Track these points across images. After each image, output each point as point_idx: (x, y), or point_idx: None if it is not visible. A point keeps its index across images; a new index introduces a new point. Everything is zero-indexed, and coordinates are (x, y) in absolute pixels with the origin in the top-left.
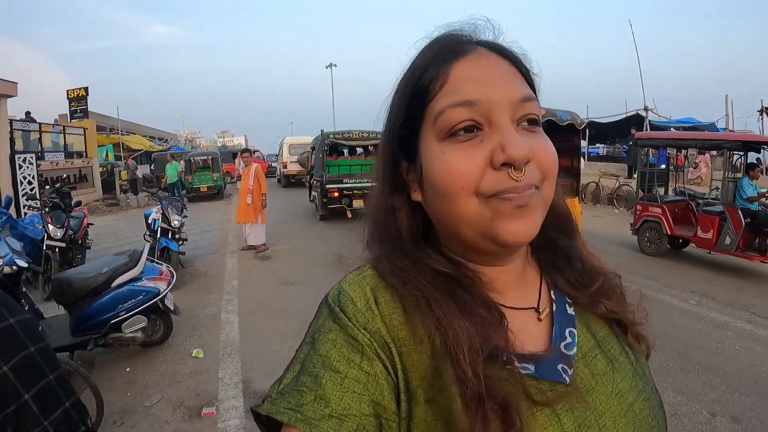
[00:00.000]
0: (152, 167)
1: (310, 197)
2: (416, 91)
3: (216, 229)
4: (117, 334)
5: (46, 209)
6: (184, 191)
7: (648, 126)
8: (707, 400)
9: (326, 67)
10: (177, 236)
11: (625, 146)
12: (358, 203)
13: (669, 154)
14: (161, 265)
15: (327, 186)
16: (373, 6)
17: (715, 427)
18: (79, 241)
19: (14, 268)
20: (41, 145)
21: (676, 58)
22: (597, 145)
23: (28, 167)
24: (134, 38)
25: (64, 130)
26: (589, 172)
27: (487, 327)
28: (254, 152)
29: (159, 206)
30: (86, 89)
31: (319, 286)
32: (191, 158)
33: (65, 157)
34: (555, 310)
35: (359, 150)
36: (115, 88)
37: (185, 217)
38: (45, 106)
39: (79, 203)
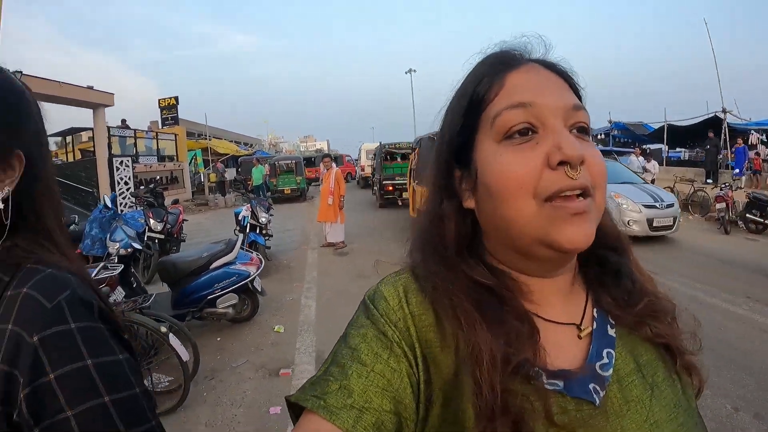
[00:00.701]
0: (239, 170)
1: (372, 191)
2: (472, 101)
3: (298, 228)
4: (211, 309)
5: (143, 206)
6: (269, 193)
7: (726, 129)
8: (734, 396)
9: (405, 73)
10: (264, 232)
11: (702, 149)
12: (406, 195)
13: None
14: (252, 252)
15: (383, 182)
16: (452, 11)
17: (736, 421)
18: (175, 235)
19: (129, 250)
20: (136, 150)
21: (757, 58)
22: (678, 149)
23: (124, 169)
24: (218, 47)
25: (156, 135)
26: (664, 176)
27: (517, 339)
28: (345, 157)
29: (248, 205)
30: (176, 98)
31: None
32: (276, 162)
33: (158, 161)
34: (595, 329)
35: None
36: (203, 96)
37: (271, 215)
38: (137, 113)
39: (176, 201)
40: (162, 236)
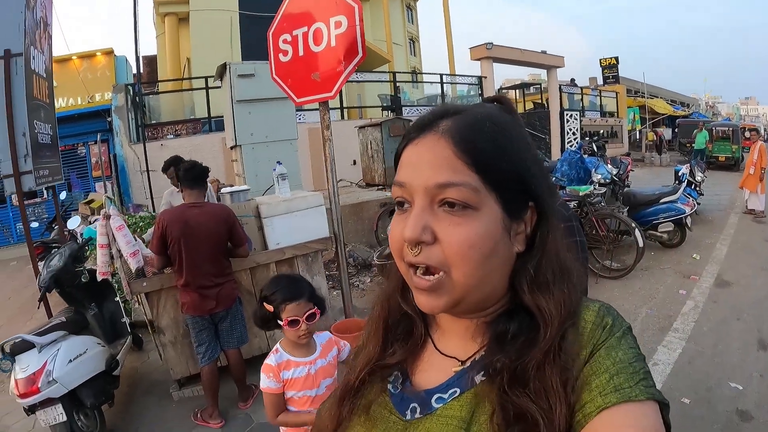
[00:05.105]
0: (676, 131)
1: None
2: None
3: (727, 194)
4: (653, 231)
5: (599, 156)
6: (705, 158)
7: None
8: None
9: None
10: (697, 189)
11: None
12: None
13: None
14: (689, 198)
15: None
16: None
17: None
18: (624, 179)
19: (608, 180)
20: (582, 105)
21: None
22: None
23: (573, 121)
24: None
25: (600, 93)
26: None
27: (398, 350)
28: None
29: (688, 164)
30: (616, 59)
31: None
32: (713, 128)
33: (600, 116)
34: (464, 368)
35: None
36: (642, 52)
37: (705, 176)
38: (574, 70)
39: (628, 154)
40: (616, 179)
